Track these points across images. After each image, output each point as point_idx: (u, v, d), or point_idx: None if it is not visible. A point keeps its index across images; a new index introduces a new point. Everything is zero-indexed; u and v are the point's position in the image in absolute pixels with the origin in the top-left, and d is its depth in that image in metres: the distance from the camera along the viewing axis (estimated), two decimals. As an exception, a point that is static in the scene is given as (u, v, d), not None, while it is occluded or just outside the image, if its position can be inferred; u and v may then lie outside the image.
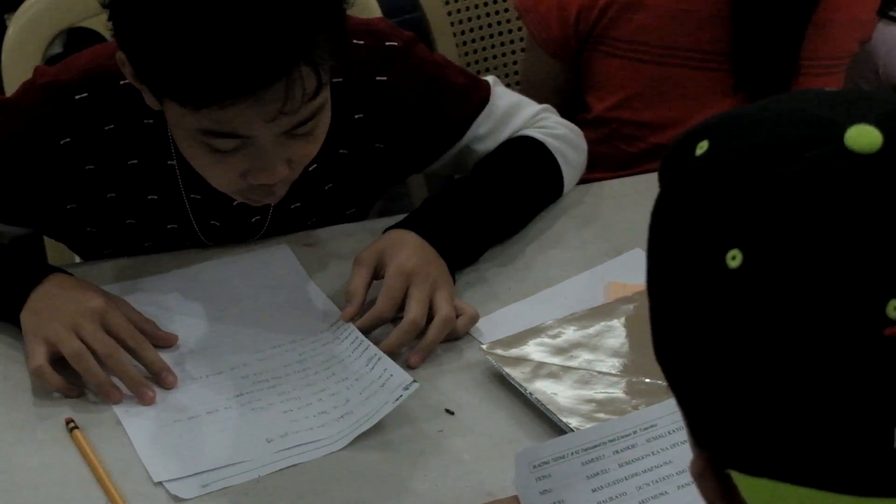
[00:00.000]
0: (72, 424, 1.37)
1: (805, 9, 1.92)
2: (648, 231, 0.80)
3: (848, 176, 0.70)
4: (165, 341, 1.46)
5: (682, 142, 0.79)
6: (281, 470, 1.32)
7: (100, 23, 1.91)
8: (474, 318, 1.50)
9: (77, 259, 1.88)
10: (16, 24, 1.93)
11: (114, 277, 1.60)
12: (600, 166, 1.93)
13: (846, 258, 0.69)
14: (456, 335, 1.49)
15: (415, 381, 1.36)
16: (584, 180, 1.76)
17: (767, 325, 0.71)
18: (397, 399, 1.35)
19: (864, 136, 0.71)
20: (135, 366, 1.42)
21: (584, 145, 1.76)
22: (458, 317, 1.48)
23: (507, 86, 1.83)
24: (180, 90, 1.31)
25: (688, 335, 0.75)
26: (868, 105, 0.73)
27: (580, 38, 1.99)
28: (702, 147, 0.76)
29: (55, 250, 1.92)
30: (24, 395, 1.43)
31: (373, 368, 1.41)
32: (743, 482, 0.75)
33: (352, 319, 1.47)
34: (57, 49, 2.18)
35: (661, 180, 0.80)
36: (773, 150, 0.73)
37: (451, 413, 1.39)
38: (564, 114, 1.82)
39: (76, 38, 2.13)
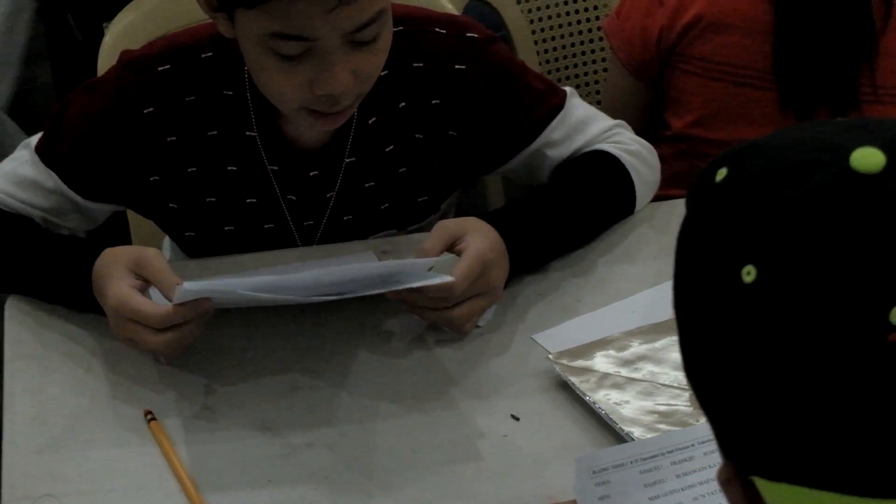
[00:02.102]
0: (150, 416, 1.42)
1: (856, 34, 1.93)
2: (675, 254, 0.85)
3: (853, 194, 0.75)
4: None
5: (705, 171, 0.84)
6: (344, 467, 1.36)
7: (192, 32, 1.97)
8: (457, 328, 1.52)
9: (167, 254, 1.93)
10: (112, 31, 1.99)
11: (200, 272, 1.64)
12: (676, 182, 1.95)
13: (851, 270, 0.73)
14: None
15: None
16: (659, 196, 1.79)
17: (781, 335, 0.75)
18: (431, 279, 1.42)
19: (867, 158, 0.75)
20: None
21: (657, 163, 1.78)
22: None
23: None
24: None
25: (709, 349, 0.80)
26: (873, 130, 0.78)
27: (661, 56, 2.01)
28: (721, 174, 0.81)
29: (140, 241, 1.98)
30: (105, 386, 1.48)
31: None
32: (766, 487, 0.79)
33: None
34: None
35: (687, 206, 0.85)
36: (785, 173, 0.77)
37: (517, 419, 1.43)
38: (644, 131, 1.85)
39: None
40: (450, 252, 1.52)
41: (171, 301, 1.43)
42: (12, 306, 1.60)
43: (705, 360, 0.81)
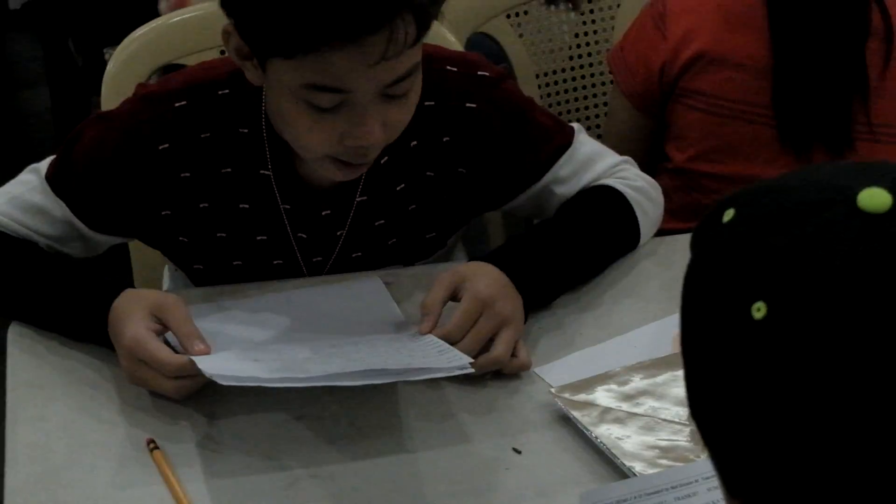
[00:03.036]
0: (152, 445, 1.42)
1: (851, 74, 1.94)
2: (681, 295, 0.86)
3: (861, 232, 0.76)
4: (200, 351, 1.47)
5: (711, 213, 0.85)
6: (346, 498, 1.37)
7: (196, 61, 1.97)
8: (524, 367, 1.53)
9: (165, 283, 1.94)
10: (116, 59, 1.99)
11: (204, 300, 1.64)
12: (677, 215, 1.96)
13: (861, 306, 0.74)
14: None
15: (473, 366, 1.42)
16: (660, 231, 1.80)
17: (791, 370, 0.76)
18: (451, 372, 1.41)
19: (874, 198, 0.77)
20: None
21: (661, 199, 1.80)
22: (511, 356, 1.52)
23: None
24: (288, 38, 1.37)
25: (717, 387, 0.81)
26: (880, 172, 0.80)
27: (663, 90, 2.03)
28: (728, 214, 0.83)
29: (141, 279, 1.98)
30: (108, 415, 1.48)
31: (441, 354, 1.46)
32: None
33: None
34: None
35: (693, 248, 0.87)
36: (792, 213, 0.79)
37: (519, 452, 1.43)
38: (645, 163, 1.86)
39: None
40: (453, 300, 1.53)
41: (186, 350, 1.45)
42: (15, 333, 1.60)
43: (712, 398, 0.82)
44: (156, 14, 2.04)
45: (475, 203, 1.74)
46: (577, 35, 2.35)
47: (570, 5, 2.33)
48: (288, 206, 1.63)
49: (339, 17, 1.34)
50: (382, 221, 1.68)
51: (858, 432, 0.74)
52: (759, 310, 0.77)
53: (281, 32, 1.38)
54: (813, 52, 1.93)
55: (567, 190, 1.71)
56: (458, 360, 1.43)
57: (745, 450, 0.80)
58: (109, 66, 2.00)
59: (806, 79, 1.94)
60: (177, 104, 1.58)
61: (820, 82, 1.94)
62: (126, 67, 1.98)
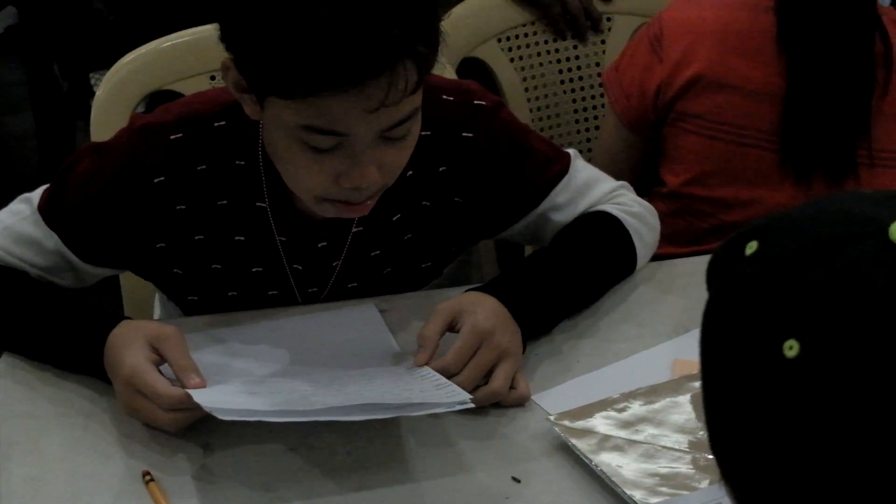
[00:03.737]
0: (148, 477, 1.40)
1: (861, 102, 1.94)
2: (701, 332, 0.84)
3: (893, 266, 0.75)
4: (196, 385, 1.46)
5: (730, 245, 0.84)
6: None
7: (186, 87, 1.97)
8: (523, 398, 1.52)
9: (156, 313, 1.93)
10: (106, 85, 1.98)
11: (197, 329, 1.63)
12: (672, 240, 1.96)
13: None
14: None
15: (472, 402, 1.40)
16: (655, 256, 1.79)
17: (826, 410, 0.75)
18: (451, 407, 1.39)
19: None
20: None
21: (657, 224, 1.79)
22: (510, 388, 1.51)
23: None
24: (288, 81, 1.36)
25: (744, 425, 0.80)
26: None
27: (658, 112, 2.03)
28: (751, 247, 0.81)
29: (132, 306, 1.97)
30: (103, 446, 1.46)
31: (439, 388, 1.44)
32: None
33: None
34: (140, 109, 2.24)
35: (711, 283, 0.85)
36: (822, 247, 0.78)
37: (518, 481, 1.42)
38: (638, 186, 1.85)
39: (159, 100, 2.19)
40: (451, 331, 1.52)
41: (182, 383, 1.44)
42: (7, 364, 1.59)
43: (737, 434, 0.81)
44: (143, 40, 2.02)
45: (471, 232, 1.73)
46: (567, 59, 2.34)
47: (578, 37, 2.32)
48: (284, 239, 1.62)
49: (340, 63, 1.33)
50: (378, 252, 1.67)
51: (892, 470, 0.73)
52: (791, 348, 0.76)
53: (280, 74, 1.36)
54: (827, 79, 1.93)
55: (564, 217, 1.70)
56: (457, 395, 1.41)
57: (769, 486, 0.79)
58: (99, 92, 1.99)
59: (818, 106, 1.93)
60: (172, 136, 1.56)
61: (831, 109, 1.94)
62: (116, 93, 1.98)
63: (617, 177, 1.80)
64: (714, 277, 0.84)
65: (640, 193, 1.82)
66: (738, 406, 0.79)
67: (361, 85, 1.34)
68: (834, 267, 0.76)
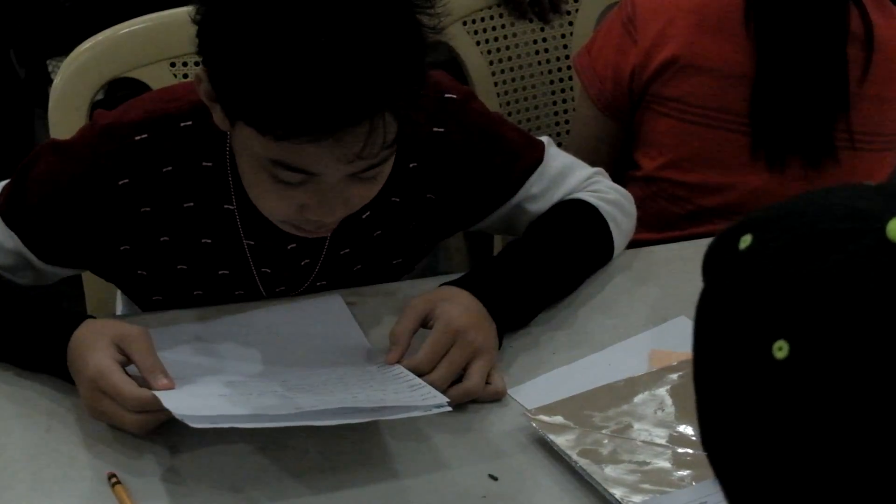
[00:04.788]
0: (114, 479, 1.37)
1: (834, 85, 1.91)
2: (694, 324, 0.82)
3: (889, 266, 0.72)
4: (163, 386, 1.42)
5: (725, 236, 0.81)
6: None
7: (146, 74, 1.93)
8: (499, 394, 1.49)
9: (118, 308, 1.89)
10: (63, 72, 1.94)
11: (161, 324, 1.59)
12: (648, 225, 1.93)
13: (889, 347, 0.70)
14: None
15: (449, 405, 1.37)
16: (632, 242, 1.76)
17: (816, 413, 0.72)
18: (427, 410, 1.36)
19: None
20: None
21: (634, 210, 1.76)
22: (486, 383, 1.48)
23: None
24: (264, 120, 1.32)
25: (735, 424, 0.77)
26: None
27: (633, 96, 1.99)
28: (745, 241, 0.78)
29: (95, 302, 1.92)
30: (67, 448, 1.42)
31: (414, 390, 1.41)
32: None
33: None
34: (99, 96, 2.20)
35: (706, 274, 0.83)
36: (816, 243, 0.75)
37: (495, 479, 1.39)
38: (613, 171, 1.82)
39: (118, 86, 2.14)
40: (424, 327, 1.49)
41: (149, 384, 1.40)
42: (-33, 364, 1.54)
43: (728, 435, 0.78)
44: (101, 26, 1.98)
45: (444, 226, 1.70)
46: (535, 42, 2.30)
47: (541, 20, 2.28)
48: (252, 242, 1.58)
49: (317, 111, 1.29)
50: (348, 250, 1.63)
51: (889, 474, 0.70)
52: (780, 349, 0.73)
53: (255, 111, 1.32)
54: (797, 60, 1.90)
55: (539, 207, 1.67)
56: (433, 399, 1.38)
57: (761, 484, 0.76)
58: (57, 80, 1.94)
59: (788, 88, 1.91)
60: (137, 137, 1.51)
61: (802, 91, 1.91)
62: (74, 80, 1.93)
63: (593, 163, 1.77)
64: (709, 269, 0.81)
65: (614, 177, 1.79)
66: (729, 404, 0.77)
67: (338, 134, 1.31)
68: (827, 265, 0.73)
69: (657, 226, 1.98)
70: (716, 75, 1.92)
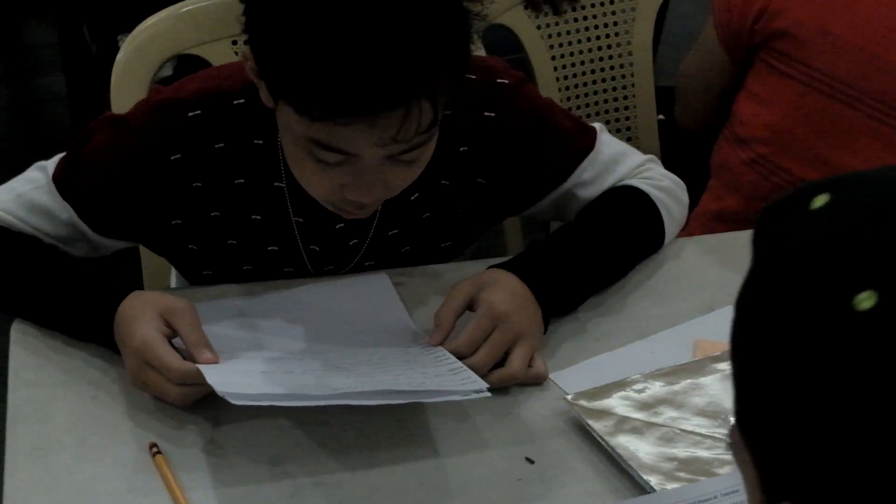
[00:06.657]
0: (155, 449, 1.38)
1: None
2: (742, 296, 0.80)
3: None
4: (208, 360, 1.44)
5: (790, 199, 0.80)
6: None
7: (209, 51, 1.94)
8: (540, 378, 1.49)
9: (173, 281, 1.91)
10: (127, 48, 1.95)
11: (208, 298, 1.60)
12: (740, 191, 1.89)
13: None
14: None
15: (489, 389, 1.37)
16: (716, 215, 1.73)
17: None
18: (466, 395, 1.36)
19: None
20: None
21: (686, 199, 1.75)
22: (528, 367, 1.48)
23: (611, 133, 1.82)
24: (301, 99, 1.33)
25: (798, 393, 0.75)
26: None
27: (753, 36, 1.97)
28: (821, 199, 0.78)
29: (150, 274, 1.94)
30: (111, 417, 1.44)
31: (454, 374, 1.41)
32: None
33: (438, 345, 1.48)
34: (167, 72, 2.22)
35: (762, 237, 0.81)
36: None
37: (532, 462, 1.39)
38: (714, 109, 1.76)
39: (186, 64, 2.16)
40: (469, 310, 1.50)
41: (194, 358, 1.41)
42: (18, 331, 1.56)
43: (784, 404, 0.76)
44: (169, 1, 1.99)
45: (494, 212, 1.70)
46: (596, 27, 2.29)
47: (552, 10, 2.26)
48: (300, 220, 1.59)
49: (352, 92, 1.29)
50: (396, 231, 1.64)
51: None
52: (867, 299, 0.72)
53: (293, 90, 1.34)
54: None
55: (590, 193, 1.66)
56: (472, 384, 1.38)
57: (822, 462, 0.75)
58: (119, 56, 1.96)
59: None
60: (190, 113, 1.53)
61: None
62: (136, 57, 1.94)
63: (699, 96, 1.73)
64: (767, 234, 0.80)
65: (712, 131, 1.75)
66: (791, 372, 0.75)
67: (373, 117, 1.32)
68: None
69: (750, 195, 1.96)
70: (851, 49, 1.88)
